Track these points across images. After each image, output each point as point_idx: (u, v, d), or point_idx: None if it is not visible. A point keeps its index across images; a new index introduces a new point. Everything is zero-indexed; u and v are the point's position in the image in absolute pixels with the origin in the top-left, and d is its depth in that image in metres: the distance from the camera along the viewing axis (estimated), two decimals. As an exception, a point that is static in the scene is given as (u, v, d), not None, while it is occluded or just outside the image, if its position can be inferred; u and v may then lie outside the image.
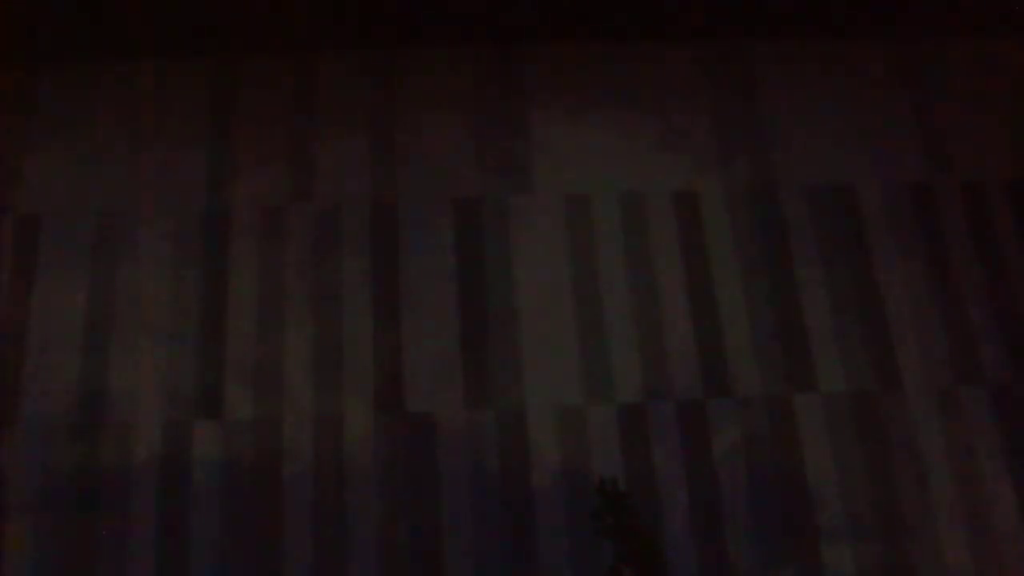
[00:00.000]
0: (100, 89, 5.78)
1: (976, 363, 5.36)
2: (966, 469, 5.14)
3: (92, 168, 5.60)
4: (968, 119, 5.92)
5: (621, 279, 5.46)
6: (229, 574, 4.83)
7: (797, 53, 6.04)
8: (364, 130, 5.74)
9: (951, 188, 5.75)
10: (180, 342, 5.24)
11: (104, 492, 4.95)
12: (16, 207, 5.51)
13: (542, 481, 5.04)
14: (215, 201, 5.54)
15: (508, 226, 5.55)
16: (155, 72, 5.83)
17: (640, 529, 4.65)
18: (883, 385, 5.29)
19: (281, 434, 5.08)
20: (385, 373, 5.22)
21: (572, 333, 5.33)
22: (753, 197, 5.68)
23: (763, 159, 5.77)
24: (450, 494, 5.00)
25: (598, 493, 4.75)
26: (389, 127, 5.75)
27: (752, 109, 5.89)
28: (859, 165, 5.78)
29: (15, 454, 5.01)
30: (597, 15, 5.91)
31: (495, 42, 5.96)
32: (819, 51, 6.05)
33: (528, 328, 5.33)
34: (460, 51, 5.95)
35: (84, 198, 5.53)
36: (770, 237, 5.59)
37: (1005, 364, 5.36)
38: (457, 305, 5.37)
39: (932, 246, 5.61)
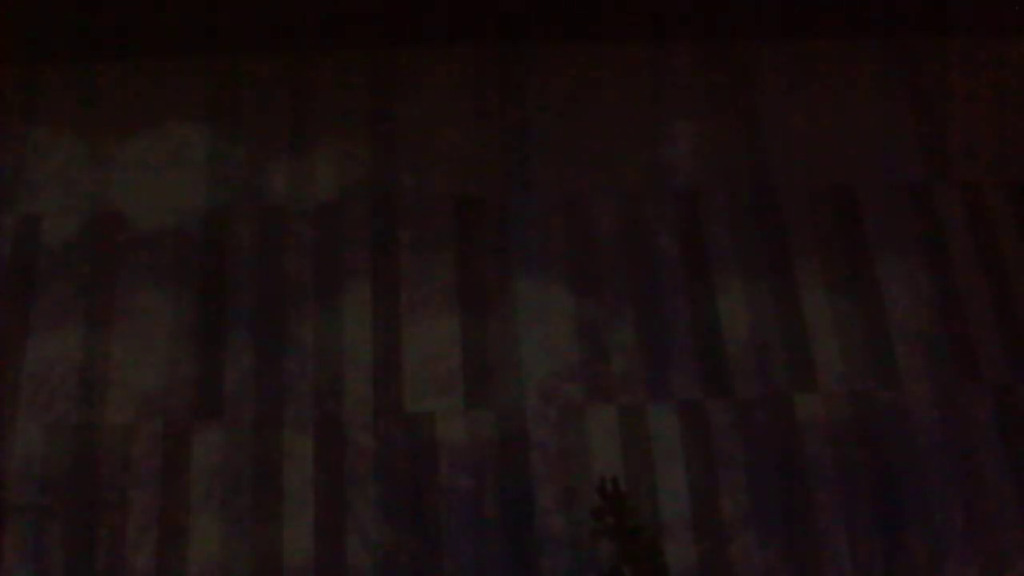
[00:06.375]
0: (100, 89, 5.78)
1: (976, 363, 5.36)
2: (966, 469, 5.14)
3: (92, 168, 5.60)
4: (968, 119, 5.92)
5: (621, 279, 5.46)
6: (229, 574, 4.83)
7: (797, 53, 6.04)
8: (364, 130, 5.74)
9: (951, 188, 5.75)
10: (180, 342, 5.24)
11: (104, 492, 4.95)
12: (16, 207, 5.50)
13: (542, 481, 5.04)
14: (215, 200, 5.54)
15: (508, 226, 5.55)
16: (155, 72, 5.83)
17: (640, 529, 4.65)
18: (883, 385, 5.29)
19: (281, 434, 5.08)
20: (385, 373, 5.22)
21: (572, 333, 5.33)
22: (753, 197, 5.68)
23: (763, 159, 5.77)
24: (449, 494, 5.00)
25: (598, 493, 4.75)
26: (389, 127, 5.75)
27: (752, 109, 5.89)
28: (859, 165, 5.78)
29: (15, 454, 5.01)
30: (597, 15, 5.91)
31: (495, 42, 5.96)
32: (819, 51, 6.05)
33: (528, 328, 5.33)
34: (460, 51, 5.95)
35: (84, 197, 5.53)
36: (770, 237, 5.59)
37: (1005, 364, 5.36)
38: (457, 305, 5.37)
39: (932, 246, 5.61)
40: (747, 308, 5.42)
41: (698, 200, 5.65)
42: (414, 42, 5.92)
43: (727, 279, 5.48)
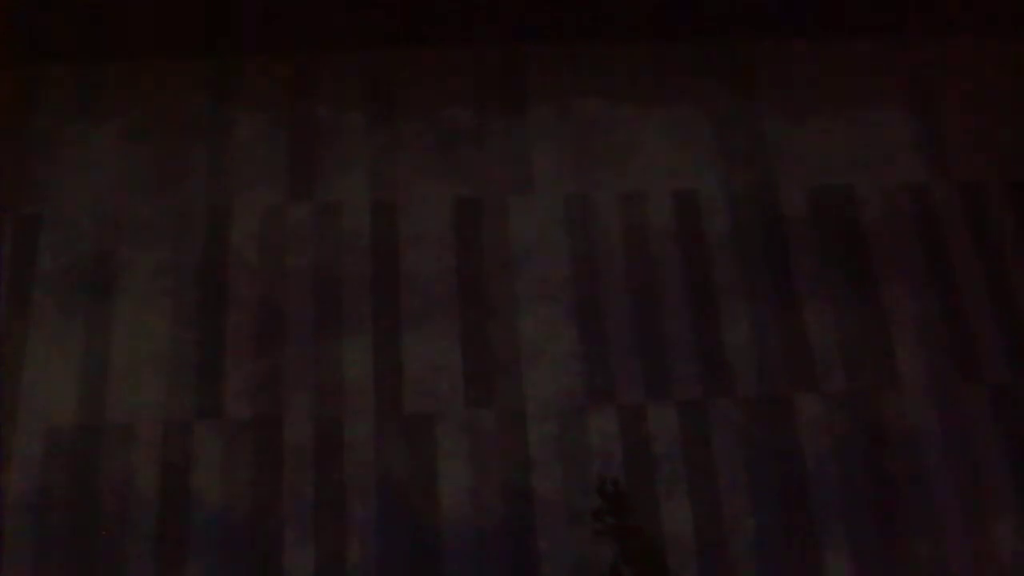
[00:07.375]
0: (100, 89, 5.78)
1: (976, 363, 5.36)
2: (966, 469, 5.14)
3: (92, 168, 5.60)
4: (968, 119, 5.93)
5: (621, 279, 5.46)
6: (229, 575, 4.83)
7: (797, 53, 6.05)
8: (363, 130, 5.74)
9: (951, 189, 5.75)
10: (180, 341, 5.24)
11: (104, 493, 4.95)
12: (16, 207, 5.51)
13: (542, 481, 5.04)
14: (215, 200, 5.55)
15: (508, 226, 5.56)
16: (155, 72, 5.84)
17: (640, 529, 4.65)
18: (883, 385, 5.30)
19: (281, 434, 5.08)
20: (385, 373, 5.22)
21: (572, 333, 5.33)
22: (753, 197, 5.68)
23: (763, 159, 5.77)
24: (450, 493, 5.00)
25: (598, 493, 4.75)
26: (389, 127, 5.76)
27: (752, 109, 5.89)
28: (859, 165, 5.78)
29: (14, 455, 5.01)
30: (597, 15, 5.91)
31: (495, 42, 5.96)
32: (819, 51, 6.06)
33: (528, 328, 5.33)
34: (460, 51, 5.95)
35: (84, 198, 5.53)
36: (770, 237, 5.59)
37: (1005, 364, 5.37)
38: (457, 304, 5.37)
39: (932, 246, 5.61)
40: (747, 308, 5.43)
41: (698, 199, 5.66)
42: (414, 42, 5.93)
43: (727, 278, 5.49)
